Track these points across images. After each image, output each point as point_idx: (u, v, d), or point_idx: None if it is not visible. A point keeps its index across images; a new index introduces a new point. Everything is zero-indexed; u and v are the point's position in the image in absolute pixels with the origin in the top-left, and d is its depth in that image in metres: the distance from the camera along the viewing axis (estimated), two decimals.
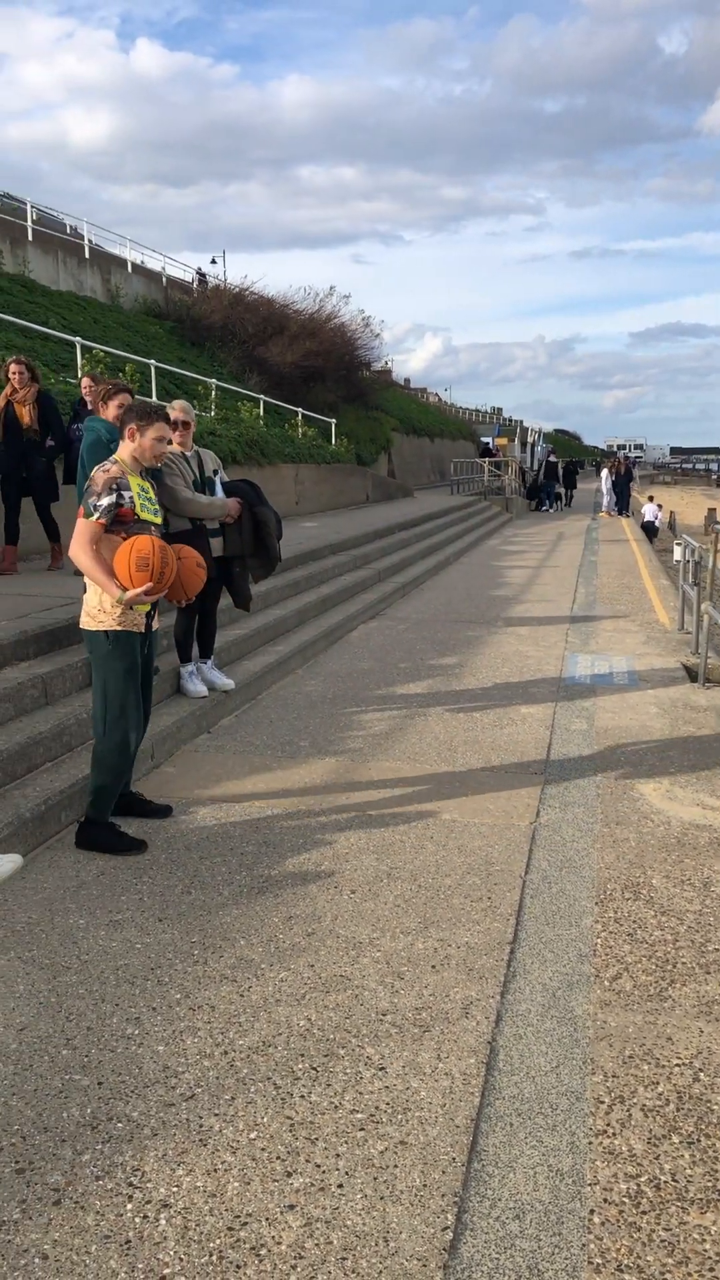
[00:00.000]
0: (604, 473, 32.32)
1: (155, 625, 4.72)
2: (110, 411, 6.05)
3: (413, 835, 4.82)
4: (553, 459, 36.40)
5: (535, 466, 38.63)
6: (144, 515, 4.51)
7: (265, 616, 8.97)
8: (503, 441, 43.99)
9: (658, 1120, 2.81)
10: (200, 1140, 2.71)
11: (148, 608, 4.55)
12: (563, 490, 36.54)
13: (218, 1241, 2.36)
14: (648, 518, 27.75)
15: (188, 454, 6.54)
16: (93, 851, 4.58)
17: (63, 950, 3.71)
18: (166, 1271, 2.27)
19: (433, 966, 3.61)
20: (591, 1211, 2.47)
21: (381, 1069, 3.02)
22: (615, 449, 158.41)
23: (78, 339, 14.99)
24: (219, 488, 6.64)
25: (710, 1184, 2.56)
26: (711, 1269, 2.29)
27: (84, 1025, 3.23)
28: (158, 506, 4.69)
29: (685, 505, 46.98)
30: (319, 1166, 2.61)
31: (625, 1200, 2.51)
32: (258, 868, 4.45)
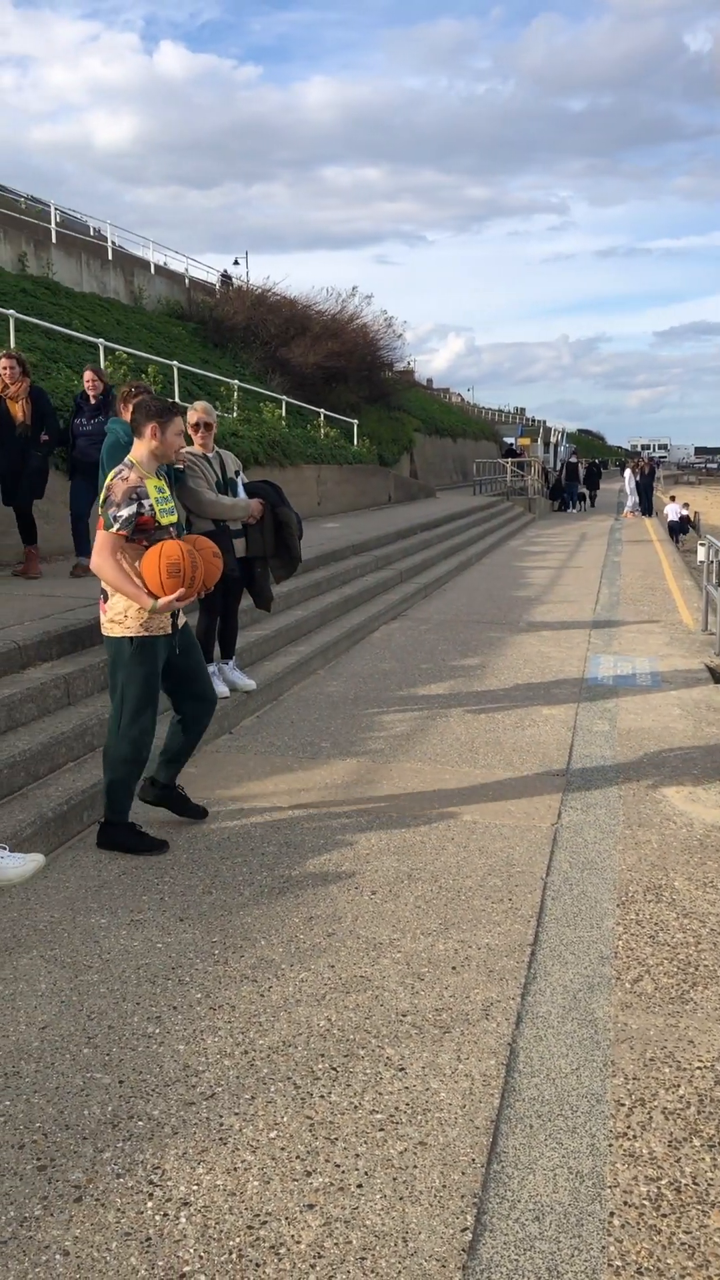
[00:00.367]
0: (627, 473, 32.18)
1: (182, 621, 4.71)
2: (129, 413, 6.08)
3: (434, 836, 4.82)
4: (573, 459, 36.29)
5: (558, 467, 38.53)
6: (164, 520, 4.49)
7: (287, 617, 8.99)
8: (525, 442, 43.91)
9: (679, 1123, 2.80)
10: (220, 1139, 2.72)
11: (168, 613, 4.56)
12: (586, 491, 36.44)
13: (237, 1240, 2.37)
14: (672, 518, 27.59)
15: (209, 455, 6.56)
16: (114, 851, 4.60)
17: (84, 949, 3.73)
18: (186, 1269, 2.28)
19: (453, 968, 3.61)
20: (611, 1214, 2.46)
21: (401, 1070, 3.02)
22: (639, 449, 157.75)
23: (100, 341, 15.07)
24: (241, 489, 6.66)
25: None
26: None
27: (105, 1024, 3.25)
28: (174, 504, 4.66)
29: (710, 505, 46.70)
30: (338, 1166, 2.61)
31: (645, 1203, 2.50)
32: (279, 868, 4.47)
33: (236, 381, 20.09)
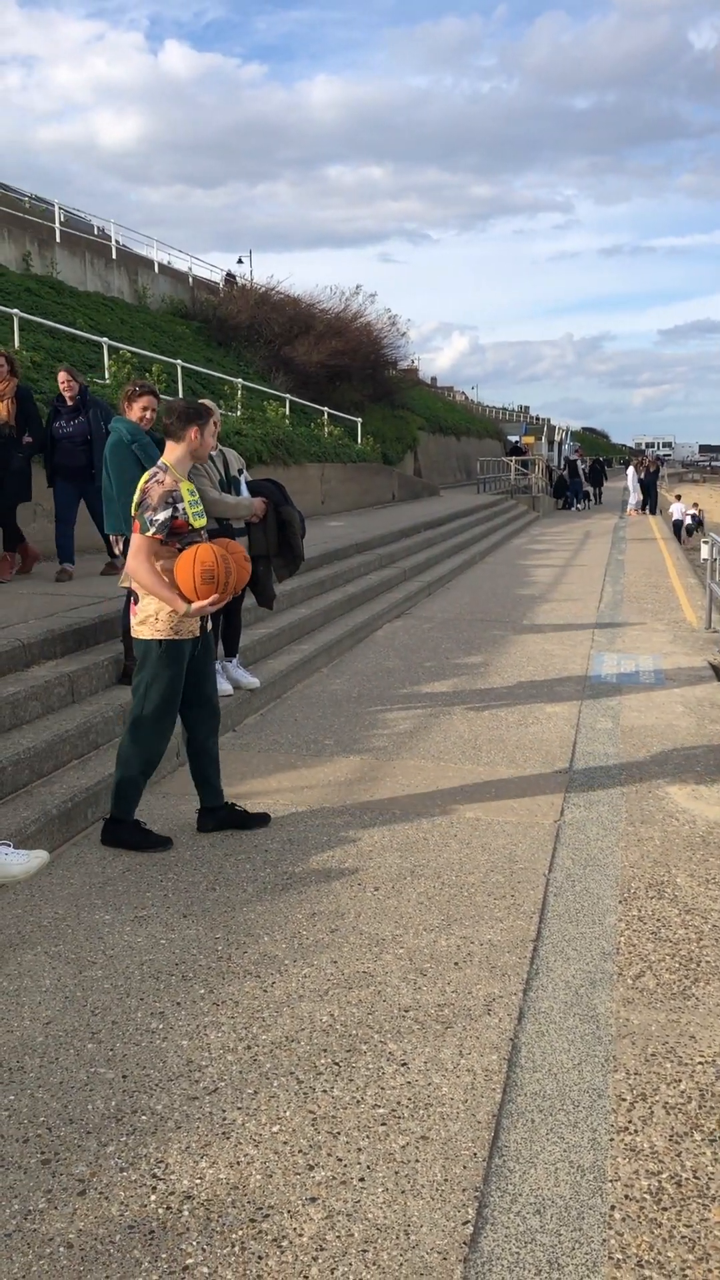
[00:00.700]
0: (630, 470, 32.18)
1: (209, 626, 4.71)
2: (135, 412, 6.09)
3: (436, 833, 4.83)
4: (572, 457, 36.31)
5: (562, 465, 38.54)
6: (196, 524, 4.50)
7: (290, 615, 9.00)
8: (530, 440, 43.89)
9: (680, 1117, 2.81)
10: (223, 1133, 2.73)
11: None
12: (591, 489, 36.42)
13: (240, 1233, 2.38)
14: (676, 516, 27.63)
15: (212, 454, 6.57)
16: (118, 849, 4.62)
17: (88, 945, 3.75)
18: (189, 1262, 2.30)
19: (455, 963, 3.62)
20: (612, 1207, 2.47)
21: (404, 1065, 3.04)
22: (644, 447, 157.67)
23: (104, 339, 15.10)
24: (244, 487, 6.68)
25: None
26: None
27: (109, 1019, 3.27)
28: (202, 507, 4.66)
29: (714, 503, 46.67)
30: (341, 1160, 2.63)
31: (646, 1196, 2.51)
32: (281, 865, 4.48)
33: (240, 380, 20.11)
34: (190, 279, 31.99)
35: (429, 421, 38.58)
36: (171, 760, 5.72)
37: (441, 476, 37.15)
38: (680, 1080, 2.98)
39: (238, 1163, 2.62)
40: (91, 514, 8.45)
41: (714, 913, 4.02)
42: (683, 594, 13.09)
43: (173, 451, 4.52)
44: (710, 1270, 2.28)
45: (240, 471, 6.77)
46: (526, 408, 77.99)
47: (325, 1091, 2.91)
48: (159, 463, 4.54)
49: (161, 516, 4.36)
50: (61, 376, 8.40)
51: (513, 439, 44.64)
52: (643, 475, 30.99)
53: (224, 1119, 2.79)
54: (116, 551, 6.21)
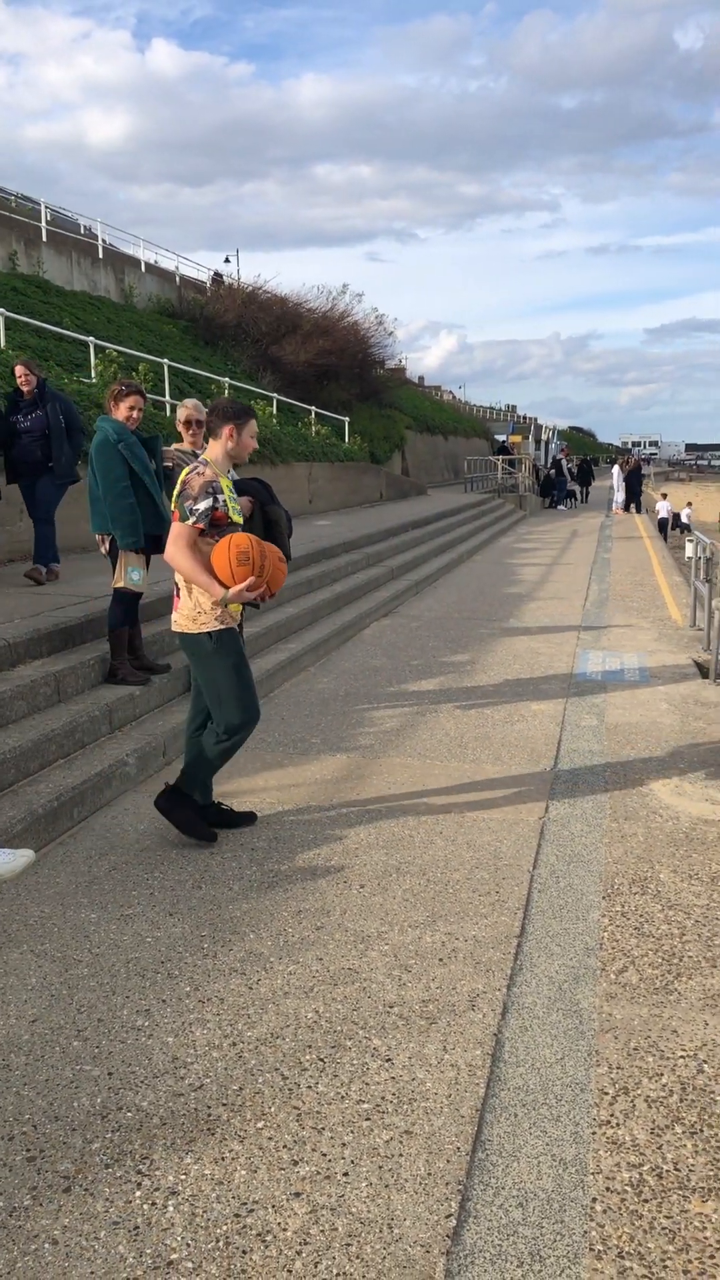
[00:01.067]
0: (615, 469, 32.29)
1: (243, 623, 4.71)
2: (121, 412, 6.09)
3: (422, 830, 4.85)
4: (559, 456, 36.44)
5: (549, 464, 38.63)
6: (234, 517, 4.52)
7: (278, 614, 9.01)
8: (516, 439, 43.97)
9: (661, 1111, 2.83)
10: (208, 1129, 2.75)
11: (239, 607, 4.55)
12: (577, 487, 36.53)
13: (224, 1228, 2.40)
14: (662, 515, 27.79)
15: (198, 452, 6.58)
16: (166, 819, 4.67)
17: (74, 944, 3.76)
18: (174, 1257, 2.31)
19: (440, 960, 3.64)
20: (594, 1200, 2.49)
21: (388, 1060, 3.05)
22: (630, 446, 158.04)
23: (91, 339, 15.07)
24: None
25: (712, 1173, 2.58)
26: (712, 1256, 2.31)
27: (95, 1017, 3.28)
28: (239, 504, 4.66)
29: (700, 501, 46.83)
30: (325, 1155, 2.65)
31: (627, 1189, 2.53)
32: (268, 863, 4.49)
33: (227, 379, 20.09)
34: (177, 278, 31.94)
35: (416, 421, 38.61)
36: (158, 760, 5.73)
37: (429, 475, 37.19)
38: (662, 1074, 3.00)
39: (223, 1159, 2.64)
40: (32, 506, 8.29)
41: (696, 908, 4.05)
42: (668, 592, 13.15)
43: (212, 449, 4.54)
44: (690, 1261, 2.30)
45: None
46: (514, 407, 78.11)
47: (310, 1087, 2.93)
48: (200, 458, 4.54)
49: (202, 506, 4.37)
50: (18, 370, 8.23)
51: (500, 438, 44.71)
52: (625, 474, 31.12)
53: (209, 1115, 2.81)
54: (103, 551, 6.21)
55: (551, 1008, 3.34)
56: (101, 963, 3.62)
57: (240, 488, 6.75)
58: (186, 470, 4.49)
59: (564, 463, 36.21)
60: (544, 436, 55.62)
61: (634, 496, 30.67)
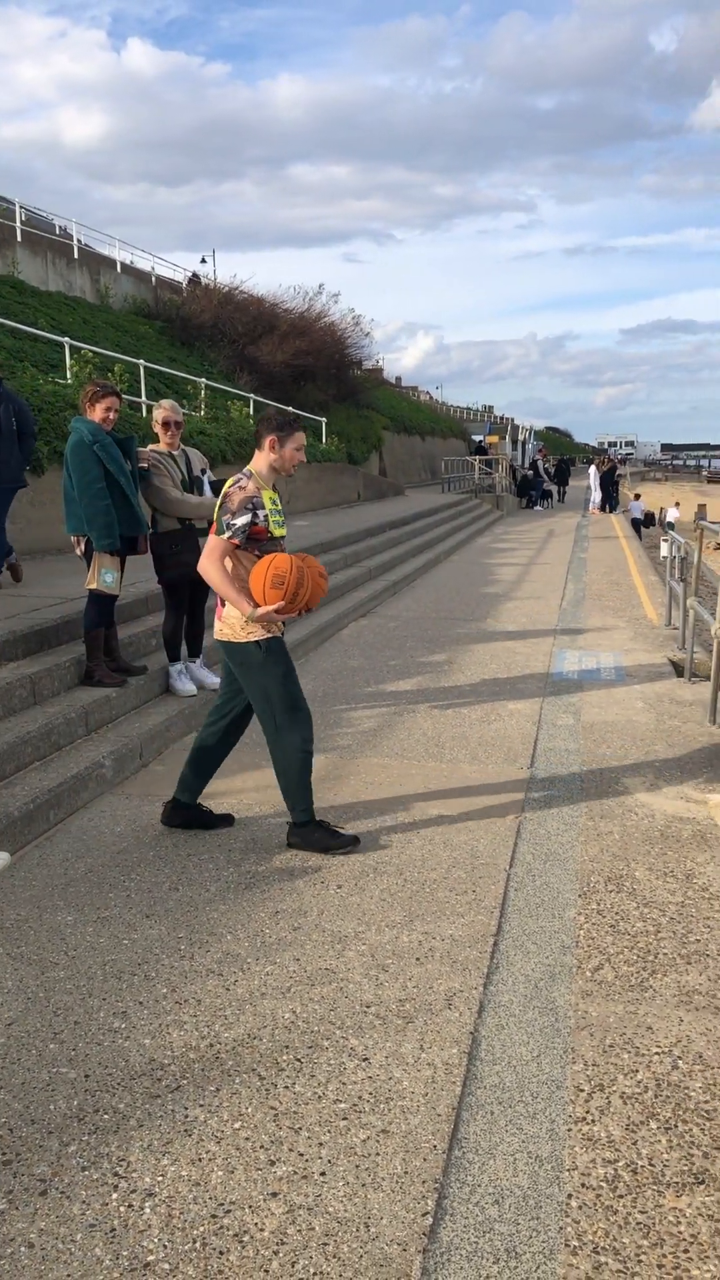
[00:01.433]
0: (592, 469, 32.46)
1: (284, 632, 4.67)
2: (98, 413, 6.07)
3: (399, 830, 4.86)
4: (536, 457, 36.64)
5: (526, 464, 38.78)
6: (276, 532, 4.46)
7: None
8: (494, 439, 44.10)
9: (636, 1107, 2.85)
10: (185, 1130, 2.75)
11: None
12: (554, 488, 36.68)
13: (201, 1229, 2.40)
14: (635, 515, 28.06)
15: (174, 453, 6.58)
16: (301, 850, 4.62)
17: (51, 946, 3.74)
18: (150, 1259, 2.31)
19: (417, 959, 3.65)
20: (569, 1196, 2.51)
21: (365, 1060, 3.06)
22: (607, 446, 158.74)
23: (66, 339, 15.01)
24: (207, 487, 6.68)
25: (686, 1168, 2.61)
26: (685, 1250, 2.33)
27: (71, 1019, 3.27)
28: (283, 519, 4.59)
29: (674, 501, 47.07)
30: (302, 1155, 2.65)
31: (603, 1185, 2.55)
32: (245, 864, 4.49)
33: (204, 380, 20.05)
34: (153, 278, 31.87)
35: (394, 421, 38.66)
36: (134, 762, 5.71)
37: (407, 476, 37.23)
38: (637, 1070, 3.02)
39: (199, 1159, 2.64)
40: None
41: (671, 905, 4.08)
42: (643, 591, 13.22)
43: (256, 460, 4.49)
44: (664, 1255, 2.32)
45: (203, 471, 6.77)
46: (491, 407, 78.28)
47: (287, 1087, 2.93)
48: (244, 470, 4.49)
49: (240, 521, 4.33)
50: None
51: (477, 439, 44.83)
52: (601, 474, 31.30)
53: (186, 1116, 2.81)
54: (78, 553, 6.19)
55: (528, 1005, 3.36)
56: (78, 965, 3.61)
57: (217, 488, 6.76)
58: (230, 482, 4.44)
59: (540, 463, 36.38)
60: (521, 437, 55.75)
61: (610, 497, 30.84)
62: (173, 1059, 3.07)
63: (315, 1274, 2.26)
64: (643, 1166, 2.62)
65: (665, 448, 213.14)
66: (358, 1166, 2.61)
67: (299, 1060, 3.06)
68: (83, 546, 6.13)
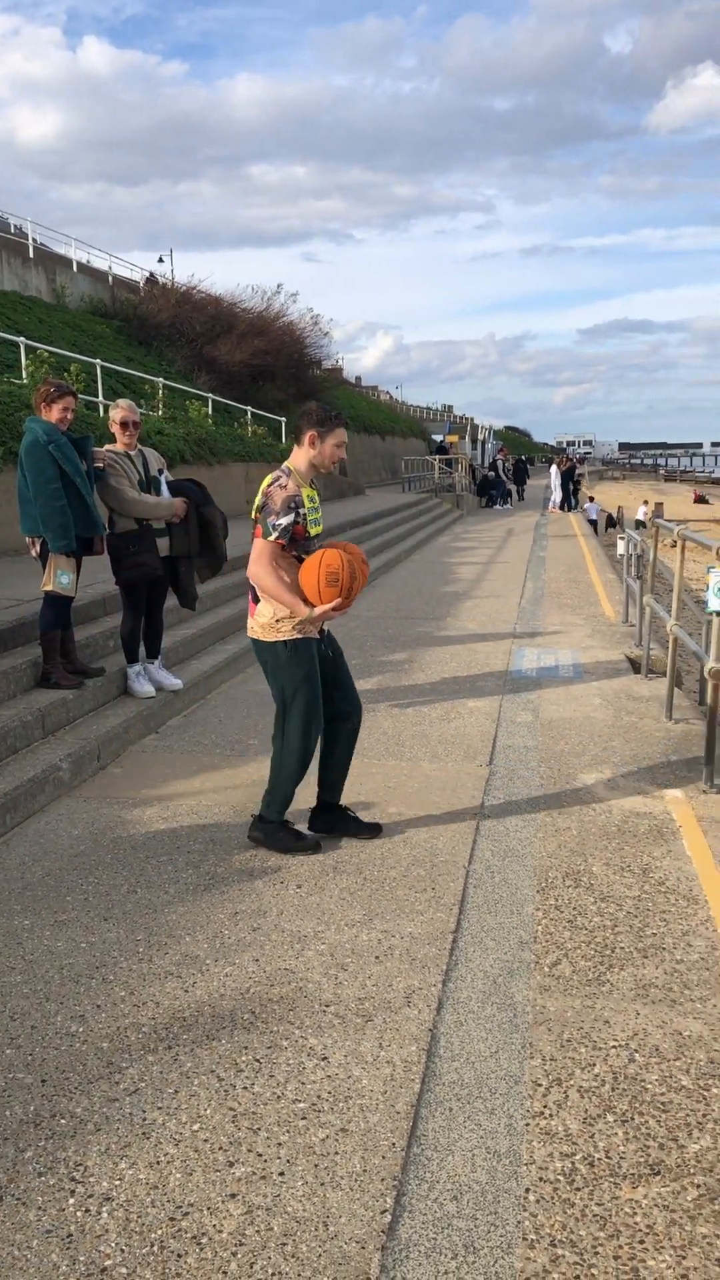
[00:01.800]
0: (553, 469, 32.66)
1: (326, 627, 4.62)
2: (54, 414, 6.01)
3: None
4: (497, 457, 36.85)
5: (486, 464, 38.95)
6: (313, 531, 4.41)
7: (214, 615, 8.98)
8: (453, 439, 44.24)
9: (593, 1101, 2.87)
10: (143, 1133, 2.73)
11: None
12: (513, 486, 36.87)
13: (159, 1232, 2.39)
14: (592, 515, 28.42)
15: (131, 453, 6.54)
16: (260, 848, 4.61)
17: (7, 951, 3.71)
18: (108, 1263, 2.29)
19: (376, 957, 3.66)
20: (527, 1190, 2.52)
21: (324, 1059, 3.06)
22: (565, 445, 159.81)
23: (21, 339, 14.87)
24: (164, 487, 6.65)
25: (643, 1159, 2.63)
26: (641, 1241, 2.36)
27: (28, 1024, 3.24)
28: (320, 515, 4.54)
29: (633, 500, 47.48)
30: (261, 1155, 2.65)
31: (560, 1178, 2.57)
32: (204, 865, 4.48)
33: (161, 379, 19.95)
34: (110, 278, 31.64)
35: (354, 421, 38.64)
36: (92, 764, 5.67)
37: (367, 476, 37.25)
38: (594, 1064, 3.05)
39: (158, 1162, 2.62)
40: None
41: (628, 900, 4.12)
42: (601, 589, 13.32)
43: (295, 456, 4.42)
44: (621, 1246, 2.34)
45: (161, 471, 6.73)
46: (450, 407, 78.50)
47: (246, 1088, 2.92)
48: (283, 466, 4.42)
49: (284, 521, 4.27)
50: None
51: (437, 438, 44.96)
52: (562, 474, 31.53)
53: (144, 1119, 2.79)
54: (34, 554, 6.13)
55: (486, 1002, 3.37)
56: (35, 970, 3.58)
57: (175, 489, 6.73)
58: (268, 481, 4.36)
59: (500, 463, 36.56)
60: (480, 436, 56.00)
61: (570, 496, 31.06)
62: (131, 1062, 3.05)
63: (274, 1274, 2.26)
64: (600, 1159, 2.64)
65: (623, 447, 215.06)
66: (317, 1166, 2.61)
67: (258, 1061, 3.05)
68: (38, 547, 6.07)
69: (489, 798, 5.31)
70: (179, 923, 3.94)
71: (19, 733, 5.47)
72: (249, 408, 23.55)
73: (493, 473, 35.62)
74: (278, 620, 4.39)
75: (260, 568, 4.33)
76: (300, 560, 4.37)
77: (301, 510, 4.31)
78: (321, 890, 4.22)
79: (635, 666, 8.39)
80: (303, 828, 4.74)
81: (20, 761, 5.31)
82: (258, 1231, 2.38)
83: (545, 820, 4.98)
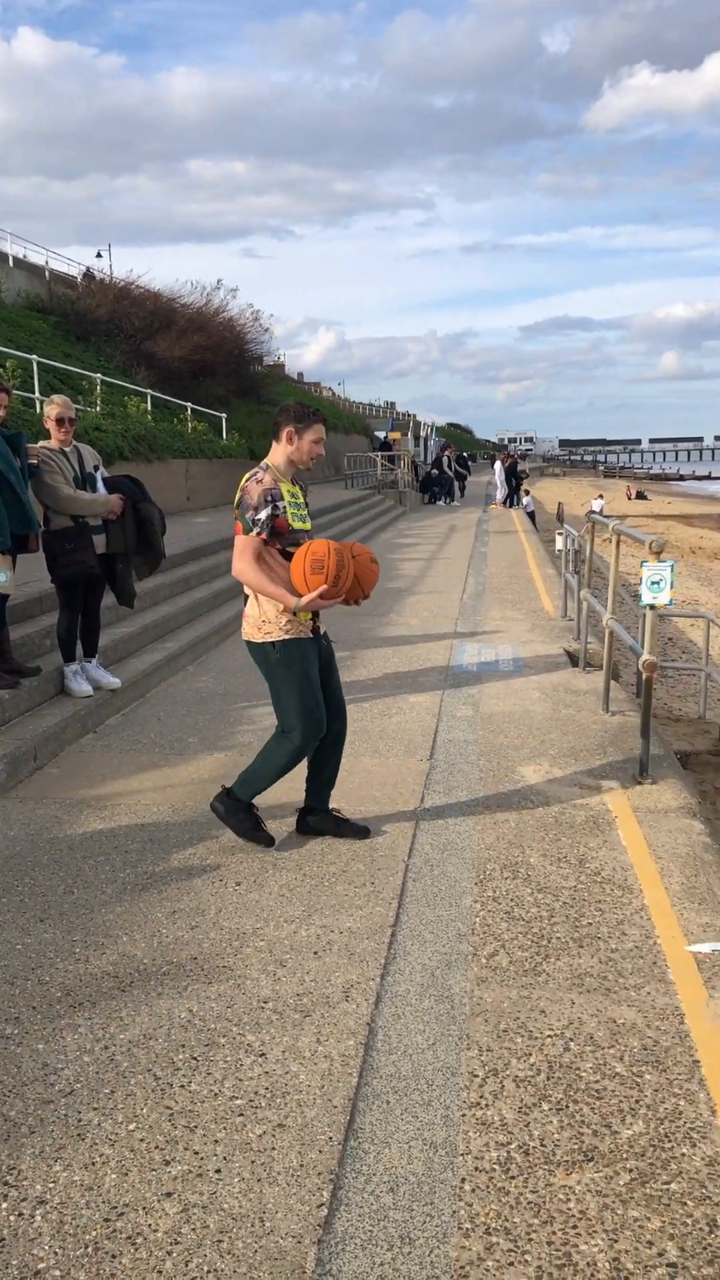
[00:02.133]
0: (498, 465, 32.90)
1: (322, 629, 4.59)
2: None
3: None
4: (446, 454, 37.02)
5: (429, 461, 39.10)
6: (295, 525, 4.36)
7: (154, 613, 8.91)
8: (396, 436, 44.31)
9: (529, 1090, 2.90)
10: (79, 1135, 2.71)
11: (308, 615, 4.43)
12: (459, 484, 37.05)
13: (94, 1233, 2.37)
14: (529, 509, 28.92)
15: (67, 449, 6.46)
16: (221, 824, 4.61)
17: None
18: (41, 1266, 2.27)
19: (315, 953, 3.66)
20: (463, 1180, 2.54)
21: (262, 1055, 3.06)
22: (507, 442, 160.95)
23: None
24: (100, 484, 6.58)
25: (576, 1146, 2.66)
26: (574, 1226, 2.39)
27: None
28: (306, 512, 4.51)
29: (573, 496, 48.00)
30: (197, 1154, 2.64)
31: (495, 1167, 2.59)
32: (142, 864, 4.44)
33: (99, 375, 19.72)
34: (47, 273, 31.21)
35: None
36: (28, 765, 5.60)
37: (309, 472, 37.19)
38: (530, 1054, 3.08)
39: (92, 1164, 2.60)
40: None
41: (565, 890, 4.16)
42: (541, 584, 13.44)
43: (273, 452, 4.40)
44: (554, 1231, 2.37)
45: (96, 468, 6.66)
46: (393, 404, 78.62)
47: (183, 1087, 2.91)
48: (262, 463, 4.39)
49: (262, 515, 4.24)
50: None
51: (380, 435, 45.02)
52: (506, 470, 31.77)
53: (79, 1121, 2.77)
54: None
55: (424, 994, 3.39)
56: None
57: (111, 485, 6.66)
58: (246, 477, 4.35)
59: (445, 459, 36.73)
60: (423, 433, 56.14)
61: (512, 492, 31.30)
62: (66, 1063, 3.02)
63: (209, 1271, 2.26)
64: (534, 1147, 2.66)
65: (563, 443, 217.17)
66: (253, 1162, 2.60)
67: (195, 1059, 3.04)
68: None
69: (429, 792, 5.33)
70: (116, 922, 3.91)
71: None
72: (189, 404, 23.39)
73: (436, 470, 35.76)
74: (264, 621, 4.37)
75: (243, 563, 4.31)
76: (289, 556, 4.35)
77: (280, 504, 4.30)
78: (260, 887, 4.21)
79: (574, 660, 8.48)
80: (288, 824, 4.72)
81: None
82: (193, 1229, 2.38)
83: (484, 813, 5.01)
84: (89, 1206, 2.45)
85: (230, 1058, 3.04)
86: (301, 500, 4.48)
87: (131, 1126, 2.74)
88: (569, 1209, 2.44)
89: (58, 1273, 2.25)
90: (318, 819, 4.76)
